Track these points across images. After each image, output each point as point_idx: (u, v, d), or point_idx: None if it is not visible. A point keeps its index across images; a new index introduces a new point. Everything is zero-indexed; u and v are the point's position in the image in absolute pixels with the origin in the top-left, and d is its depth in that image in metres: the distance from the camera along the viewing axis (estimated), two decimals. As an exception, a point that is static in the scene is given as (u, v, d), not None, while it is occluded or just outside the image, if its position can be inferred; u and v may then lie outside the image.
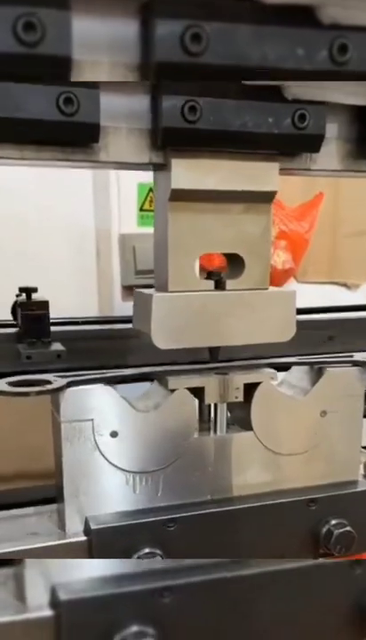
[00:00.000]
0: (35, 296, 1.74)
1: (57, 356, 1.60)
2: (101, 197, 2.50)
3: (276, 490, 0.76)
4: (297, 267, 2.78)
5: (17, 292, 1.77)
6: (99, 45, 0.53)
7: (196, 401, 0.73)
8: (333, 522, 0.75)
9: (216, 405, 0.76)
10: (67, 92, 0.58)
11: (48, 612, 0.61)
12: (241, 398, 0.74)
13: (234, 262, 0.73)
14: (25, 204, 2.34)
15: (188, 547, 0.69)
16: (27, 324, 1.68)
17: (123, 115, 0.63)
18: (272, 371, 0.75)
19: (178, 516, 0.69)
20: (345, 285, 3.06)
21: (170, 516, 0.69)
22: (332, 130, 0.70)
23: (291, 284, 2.90)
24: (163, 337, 0.70)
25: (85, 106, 0.59)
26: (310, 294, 2.91)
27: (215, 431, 0.77)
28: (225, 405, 0.76)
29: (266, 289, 0.74)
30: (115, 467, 0.69)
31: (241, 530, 0.73)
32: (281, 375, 0.81)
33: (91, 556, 0.67)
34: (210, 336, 0.72)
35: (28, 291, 1.73)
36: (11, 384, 0.66)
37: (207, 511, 0.71)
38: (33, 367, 1.59)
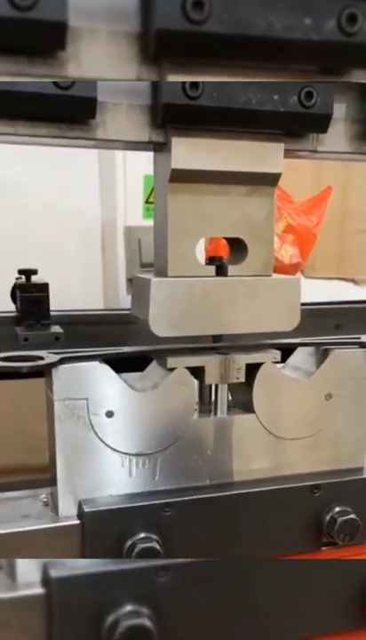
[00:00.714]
0: (34, 278, 1.72)
1: (55, 339, 1.57)
2: (107, 190, 2.48)
3: (278, 475, 0.73)
4: (304, 261, 2.75)
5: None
6: (97, 12, 0.50)
7: (196, 382, 0.70)
8: (337, 509, 0.72)
9: (216, 386, 0.74)
10: (63, 62, 0.55)
11: (39, 590, 0.59)
12: (242, 379, 0.71)
13: (237, 247, 0.70)
14: (31, 197, 2.32)
15: (185, 532, 0.67)
16: (26, 306, 1.66)
17: (122, 90, 0.61)
18: (275, 351, 0.73)
19: (175, 500, 0.67)
20: (353, 281, 3.03)
21: (166, 501, 0.67)
22: (340, 110, 0.68)
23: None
24: (161, 324, 0.67)
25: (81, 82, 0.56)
26: (318, 289, 2.89)
27: (215, 413, 0.74)
28: (226, 386, 0.73)
29: (270, 275, 0.71)
30: (111, 448, 0.67)
31: (240, 516, 0.70)
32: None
33: (83, 540, 0.65)
34: (211, 324, 0.69)
35: (28, 273, 1.71)
36: (4, 359, 0.64)
37: (205, 496, 0.69)
38: (30, 349, 1.57)
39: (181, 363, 0.69)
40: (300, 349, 0.79)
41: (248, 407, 0.72)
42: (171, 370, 0.69)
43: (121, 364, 0.70)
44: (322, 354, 0.76)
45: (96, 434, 0.66)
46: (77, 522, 0.65)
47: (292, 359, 0.80)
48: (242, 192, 0.67)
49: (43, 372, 0.66)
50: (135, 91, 0.61)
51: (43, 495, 0.71)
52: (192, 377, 0.70)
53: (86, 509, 0.65)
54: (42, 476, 0.74)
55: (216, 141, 0.64)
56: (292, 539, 0.73)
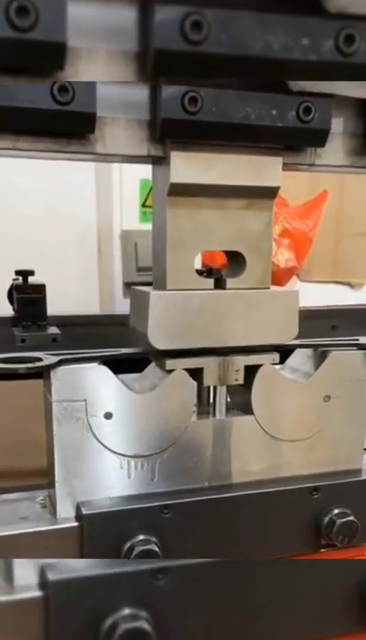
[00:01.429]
0: (31, 280, 1.72)
1: (52, 340, 1.57)
2: (103, 194, 2.48)
3: (277, 477, 0.74)
4: (300, 265, 2.75)
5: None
6: (96, 31, 0.51)
7: (195, 383, 0.70)
8: (336, 511, 0.72)
9: (215, 388, 0.74)
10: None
11: (36, 593, 0.59)
12: (241, 381, 0.72)
13: (235, 260, 0.70)
14: (26, 201, 2.32)
15: (184, 534, 0.67)
16: (23, 307, 1.66)
17: (120, 105, 0.61)
18: (273, 353, 0.73)
19: (173, 502, 0.67)
20: (348, 284, 3.03)
21: (165, 503, 0.67)
22: (338, 124, 0.68)
23: (294, 283, 2.88)
24: (160, 337, 0.68)
25: (81, 94, 0.56)
26: (314, 293, 2.89)
27: (214, 415, 0.74)
28: (224, 388, 0.74)
29: (268, 288, 0.71)
30: (109, 450, 0.67)
31: (240, 518, 0.70)
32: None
33: (82, 542, 0.65)
34: (210, 336, 0.69)
35: (25, 274, 1.71)
36: (2, 360, 0.64)
37: (204, 498, 0.69)
38: (27, 351, 1.57)
39: (180, 364, 0.69)
40: (298, 351, 0.80)
41: (246, 409, 0.73)
42: (170, 371, 0.69)
43: (119, 366, 0.70)
44: (321, 355, 0.76)
45: (94, 435, 0.66)
46: (76, 524, 0.65)
47: (290, 361, 0.80)
48: (241, 205, 0.68)
49: (42, 373, 0.66)
50: (133, 105, 0.61)
51: (41, 497, 0.71)
52: (191, 378, 0.70)
53: (84, 511, 0.65)
54: (36, 481, 0.74)
55: (214, 155, 0.64)
56: (291, 540, 0.73)
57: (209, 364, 0.70)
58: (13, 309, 1.75)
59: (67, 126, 0.58)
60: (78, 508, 0.66)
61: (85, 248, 2.58)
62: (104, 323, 1.60)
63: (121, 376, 0.69)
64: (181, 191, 0.64)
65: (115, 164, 2.32)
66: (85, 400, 0.65)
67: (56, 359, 0.65)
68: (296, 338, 0.76)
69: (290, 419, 0.74)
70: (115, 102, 0.61)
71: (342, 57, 0.51)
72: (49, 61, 0.48)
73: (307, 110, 0.63)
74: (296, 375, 0.78)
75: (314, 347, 0.77)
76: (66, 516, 0.66)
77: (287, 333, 0.72)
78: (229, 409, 0.75)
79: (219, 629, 0.63)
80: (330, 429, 0.76)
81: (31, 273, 1.73)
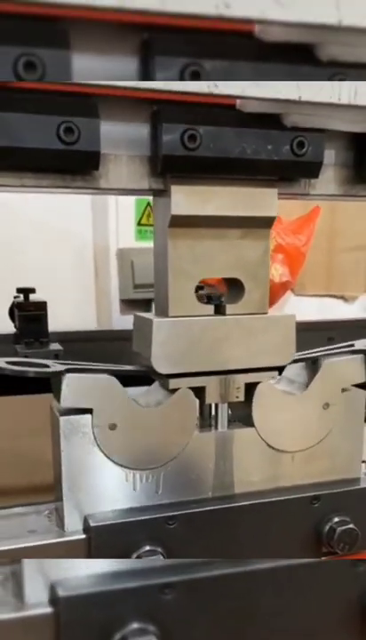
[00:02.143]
0: (32, 297, 1.74)
1: (55, 356, 1.59)
2: (99, 212, 2.51)
3: (278, 487, 0.76)
4: (294, 280, 2.79)
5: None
6: (120, 143, 0.64)
7: (197, 400, 0.73)
8: (336, 519, 0.75)
9: (217, 404, 0.76)
10: (67, 121, 0.58)
11: (47, 610, 0.60)
12: (241, 398, 0.74)
13: (234, 287, 0.73)
14: (24, 221, 2.35)
15: (189, 544, 0.69)
16: (25, 324, 1.68)
17: (123, 142, 0.64)
18: (273, 372, 0.75)
19: (178, 513, 0.69)
20: (342, 298, 3.07)
21: (170, 514, 0.69)
22: (330, 156, 0.71)
23: (289, 297, 2.91)
24: (163, 362, 0.70)
25: (86, 135, 0.59)
26: (308, 306, 2.92)
27: (216, 427, 0.76)
28: (226, 405, 0.76)
29: (266, 313, 0.74)
30: (115, 463, 0.69)
31: (243, 527, 0.72)
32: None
33: (89, 554, 0.66)
34: (211, 361, 0.72)
35: (26, 291, 1.74)
36: (10, 363, 0.66)
37: (208, 508, 0.71)
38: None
39: (182, 384, 0.71)
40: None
41: (248, 421, 0.75)
42: (174, 390, 0.71)
43: (123, 380, 0.72)
44: (314, 365, 0.78)
45: (101, 449, 0.68)
46: (84, 536, 0.67)
47: (287, 372, 0.82)
48: (238, 235, 0.70)
49: (50, 381, 0.69)
50: (135, 142, 0.64)
51: (47, 511, 0.73)
52: (193, 396, 0.72)
53: (92, 524, 0.67)
54: (37, 498, 0.76)
55: (213, 188, 0.67)
56: (293, 548, 0.75)
57: (210, 383, 0.73)
58: (15, 326, 1.77)
59: (73, 164, 0.61)
60: (86, 521, 0.68)
61: (82, 266, 2.60)
62: (104, 338, 1.62)
63: (128, 389, 0.71)
64: (181, 222, 0.67)
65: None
66: (92, 410, 0.67)
67: (63, 367, 0.66)
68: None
69: (291, 431, 0.76)
70: (117, 140, 0.64)
71: (295, 157, 0.66)
72: (87, 165, 0.62)
73: (301, 144, 0.66)
74: (293, 387, 0.80)
75: (310, 359, 0.79)
76: (73, 529, 0.68)
77: (284, 356, 0.74)
78: (231, 421, 0.77)
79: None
80: (329, 439, 0.78)
81: (32, 290, 1.76)
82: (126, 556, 0.66)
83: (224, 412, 0.76)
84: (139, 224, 2.53)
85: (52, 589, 0.61)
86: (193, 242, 0.69)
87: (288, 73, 0.54)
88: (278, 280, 2.69)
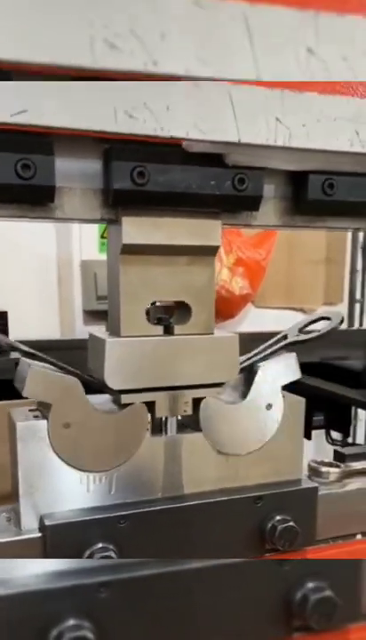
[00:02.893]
0: None
1: (15, 365, 1.63)
2: (63, 225, 2.55)
3: (225, 488, 0.81)
4: (254, 292, 2.87)
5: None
6: (74, 177, 0.69)
7: (147, 412, 0.77)
8: (278, 518, 0.80)
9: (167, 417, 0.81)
10: (24, 158, 0.63)
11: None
12: (189, 412, 0.79)
13: (182, 309, 0.78)
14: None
15: (140, 542, 0.74)
16: None
17: (77, 176, 0.69)
18: (218, 386, 0.80)
19: (129, 512, 0.74)
20: (301, 310, 3.16)
21: (122, 513, 0.74)
22: (270, 190, 0.77)
23: (249, 309, 2.99)
24: (116, 379, 0.75)
25: (42, 170, 0.64)
26: (268, 319, 3.01)
27: (166, 432, 0.81)
28: (175, 417, 0.81)
29: (212, 334, 0.79)
30: (70, 465, 0.73)
31: (191, 526, 0.78)
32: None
33: (45, 552, 0.71)
34: (161, 377, 0.77)
35: None
36: None
37: (157, 508, 0.76)
38: None
39: (134, 399, 0.76)
40: None
41: (196, 426, 0.80)
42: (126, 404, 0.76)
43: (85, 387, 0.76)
44: (251, 370, 0.83)
45: (56, 452, 0.72)
46: (39, 535, 0.72)
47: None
48: (185, 262, 0.76)
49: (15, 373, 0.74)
50: (88, 176, 0.69)
51: (5, 513, 0.77)
52: (145, 408, 0.77)
53: (47, 523, 0.71)
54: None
55: (161, 219, 0.72)
56: (238, 545, 0.80)
57: (160, 398, 0.78)
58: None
59: (30, 197, 0.66)
60: (41, 520, 0.72)
61: (45, 277, 2.63)
62: (66, 347, 1.65)
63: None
64: (132, 250, 0.73)
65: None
66: (51, 405, 0.71)
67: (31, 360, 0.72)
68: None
69: (237, 436, 0.82)
70: (72, 174, 0.69)
71: (237, 192, 0.72)
72: (43, 197, 0.67)
73: (242, 181, 0.72)
74: (236, 394, 0.85)
75: (247, 367, 0.84)
76: (30, 528, 0.72)
77: (229, 373, 0.80)
78: (182, 425, 0.82)
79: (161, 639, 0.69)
80: (272, 443, 0.83)
81: (-7, 301, 1.79)
82: (80, 552, 0.71)
83: (173, 424, 0.81)
84: (102, 236, 2.58)
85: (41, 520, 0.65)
86: (143, 268, 0.74)
87: (205, 172, 0.71)
88: (238, 293, 2.77)
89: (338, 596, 0.74)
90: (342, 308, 3.35)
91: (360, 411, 2.51)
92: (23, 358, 0.74)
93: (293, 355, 0.85)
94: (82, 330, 2.65)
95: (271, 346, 0.86)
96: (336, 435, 2.08)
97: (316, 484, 0.85)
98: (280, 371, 0.84)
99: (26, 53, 0.51)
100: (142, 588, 0.68)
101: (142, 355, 0.76)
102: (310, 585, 0.75)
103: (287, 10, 0.55)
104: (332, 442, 2.08)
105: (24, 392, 0.71)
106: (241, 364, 0.83)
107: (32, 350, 0.75)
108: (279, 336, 0.88)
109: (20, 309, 2.08)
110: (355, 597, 0.77)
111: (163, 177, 0.69)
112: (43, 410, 0.75)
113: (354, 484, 0.89)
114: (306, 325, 0.90)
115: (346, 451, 0.99)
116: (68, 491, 0.74)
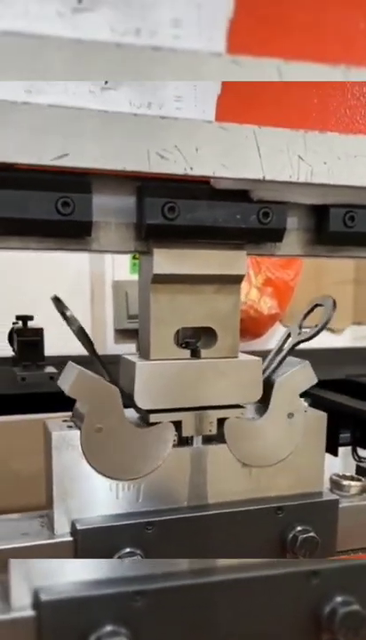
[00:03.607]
0: (30, 324, 1.87)
1: (50, 378, 1.70)
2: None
3: (248, 498, 0.85)
4: (283, 312, 2.90)
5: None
6: (109, 212, 0.75)
7: (174, 429, 0.82)
8: (299, 528, 0.84)
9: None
10: (64, 196, 0.69)
11: (30, 613, 0.68)
12: (214, 431, 0.83)
13: (208, 334, 0.83)
14: (23, 253, 2.45)
15: (165, 548, 0.78)
16: (23, 348, 1.81)
17: (112, 211, 0.75)
18: (242, 408, 0.84)
19: (156, 519, 0.78)
20: (330, 329, 3.17)
21: (148, 520, 0.78)
22: (293, 222, 0.82)
23: (277, 328, 3.01)
24: (145, 399, 0.80)
25: (80, 206, 0.70)
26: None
27: (192, 444, 0.85)
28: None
29: (236, 357, 0.84)
30: (101, 474, 0.78)
31: (213, 533, 0.82)
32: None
33: (76, 555, 0.75)
34: (187, 398, 0.81)
35: (25, 319, 1.86)
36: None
37: (182, 516, 0.80)
38: (28, 389, 1.71)
39: (162, 418, 0.81)
40: None
41: (221, 439, 0.84)
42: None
43: None
44: (269, 382, 0.86)
45: (88, 461, 0.77)
46: (71, 539, 0.76)
47: None
48: (212, 290, 0.81)
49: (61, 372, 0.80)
50: (122, 212, 0.75)
51: (38, 518, 0.82)
52: (172, 426, 0.81)
53: (78, 527, 0.76)
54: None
55: (190, 251, 0.77)
56: (260, 554, 0.83)
57: (186, 418, 0.82)
58: (13, 350, 1.88)
59: (68, 232, 0.72)
60: (73, 525, 0.77)
61: (79, 296, 2.71)
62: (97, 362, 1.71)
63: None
64: (162, 279, 0.78)
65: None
66: (85, 414, 0.76)
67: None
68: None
69: (261, 450, 0.85)
70: (107, 210, 0.74)
71: (261, 225, 0.77)
72: (81, 232, 0.72)
73: (266, 214, 0.77)
74: (256, 408, 0.88)
75: (268, 376, 0.87)
76: (62, 532, 0.77)
77: (252, 395, 0.84)
78: (206, 439, 0.85)
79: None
80: (295, 455, 0.86)
81: (30, 318, 1.88)
82: (110, 555, 0.75)
83: (199, 440, 0.85)
84: (133, 257, 2.65)
85: (35, 595, 0.68)
86: (172, 295, 0.79)
87: (231, 207, 0.76)
88: (267, 312, 2.80)
89: (364, 609, 0.77)
90: (371, 328, 3.34)
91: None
92: (71, 362, 0.80)
93: (307, 363, 0.88)
94: (113, 347, 2.71)
95: (279, 350, 0.90)
96: (363, 452, 2.08)
97: (337, 497, 0.88)
98: (296, 378, 0.87)
99: (102, 162, 0.67)
100: (175, 598, 0.71)
101: (170, 377, 0.80)
102: (338, 599, 0.77)
103: (283, 130, 0.71)
104: (358, 459, 2.08)
105: (68, 391, 0.77)
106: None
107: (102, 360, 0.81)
108: (283, 336, 0.93)
109: (56, 326, 2.15)
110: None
111: (192, 212, 0.74)
112: (76, 421, 0.80)
113: (375, 498, 0.91)
114: (303, 318, 0.93)
115: (369, 466, 1.02)
116: (99, 497, 0.79)
